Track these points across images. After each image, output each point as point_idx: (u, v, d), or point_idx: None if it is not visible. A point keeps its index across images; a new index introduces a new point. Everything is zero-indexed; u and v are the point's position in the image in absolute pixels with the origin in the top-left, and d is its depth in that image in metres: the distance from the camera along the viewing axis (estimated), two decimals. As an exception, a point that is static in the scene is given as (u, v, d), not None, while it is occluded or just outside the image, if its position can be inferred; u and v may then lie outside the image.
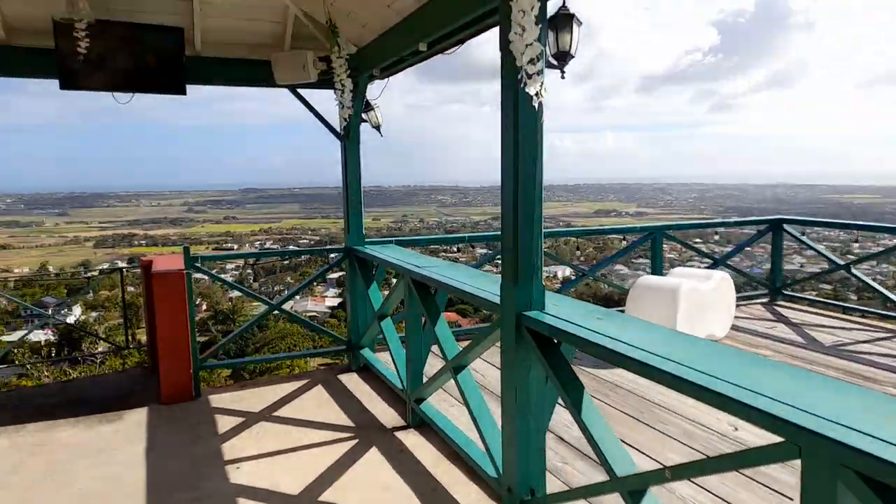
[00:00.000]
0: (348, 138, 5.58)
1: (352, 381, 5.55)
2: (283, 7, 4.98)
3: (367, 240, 5.78)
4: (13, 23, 4.18)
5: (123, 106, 4.55)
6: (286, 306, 6.32)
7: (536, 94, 2.53)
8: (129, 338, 6.60)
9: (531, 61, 2.49)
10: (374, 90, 5.31)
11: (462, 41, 3.62)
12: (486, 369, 5.45)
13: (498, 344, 3.02)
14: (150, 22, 4.65)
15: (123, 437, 4.56)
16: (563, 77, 3.44)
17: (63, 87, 4.46)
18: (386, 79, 4.61)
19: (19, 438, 4.59)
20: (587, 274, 7.42)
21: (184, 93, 4.75)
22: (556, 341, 2.71)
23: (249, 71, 5.27)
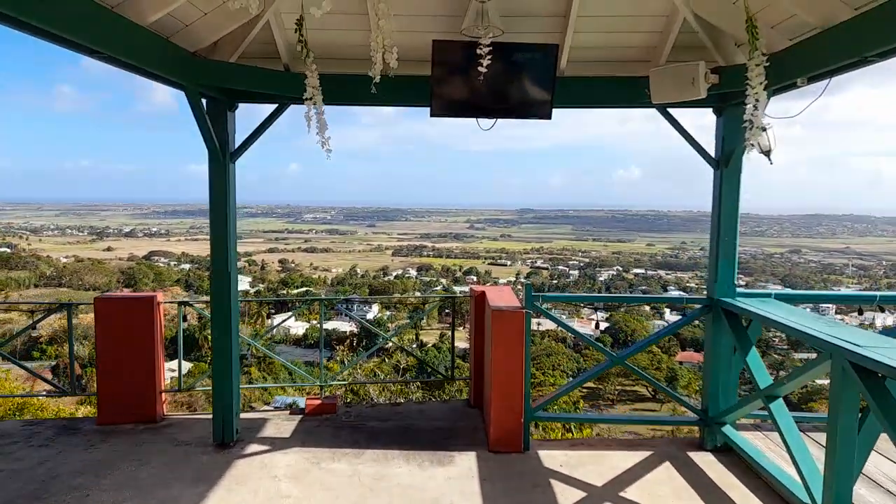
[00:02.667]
0: (727, 166, 4.56)
1: (711, 467, 4.47)
2: (667, 13, 4.20)
3: (735, 290, 4.66)
4: (402, 54, 4.10)
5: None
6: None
7: None
8: (437, 364, 6.45)
9: None
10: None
11: None
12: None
13: None
14: (521, 41, 4.25)
15: (458, 488, 4.18)
16: None
17: (433, 114, 4.30)
18: (826, 80, 3.42)
19: (360, 466, 4.53)
20: None
21: (549, 117, 4.27)
22: None
23: (615, 90, 4.61)
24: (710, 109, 4.68)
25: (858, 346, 3.11)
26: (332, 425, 5.39)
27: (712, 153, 4.70)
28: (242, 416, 5.44)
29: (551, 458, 4.67)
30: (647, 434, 6.72)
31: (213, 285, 4.82)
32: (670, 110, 4.63)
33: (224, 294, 4.82)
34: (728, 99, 4.47)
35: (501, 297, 5.34)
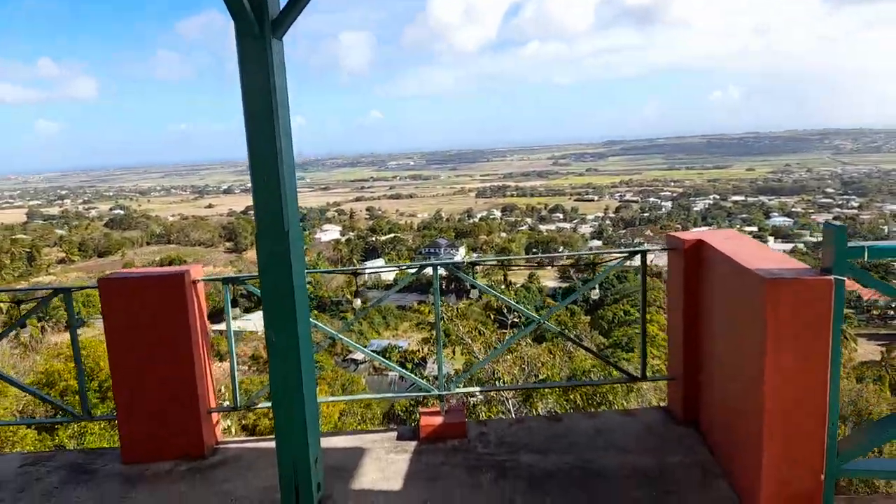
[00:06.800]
0: None
1: None
2: None
3: None
4: None
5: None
6: None
7: None
8: (646, 368, 4.25)
9: None
10: None
11: None
12: None
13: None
14: None
15: None
16: None
17: None
18: None
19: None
20: None
21: None
22: None
23: None
24: None
25: None
26: (465, 463, 3.40)
27: None
28: (325, 443, 3.54)
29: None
30: None
31: (260, 255, 2.83)
32: None
33: (281, 267, 2.82)
34: None
35: (748, 251, 3.06)
